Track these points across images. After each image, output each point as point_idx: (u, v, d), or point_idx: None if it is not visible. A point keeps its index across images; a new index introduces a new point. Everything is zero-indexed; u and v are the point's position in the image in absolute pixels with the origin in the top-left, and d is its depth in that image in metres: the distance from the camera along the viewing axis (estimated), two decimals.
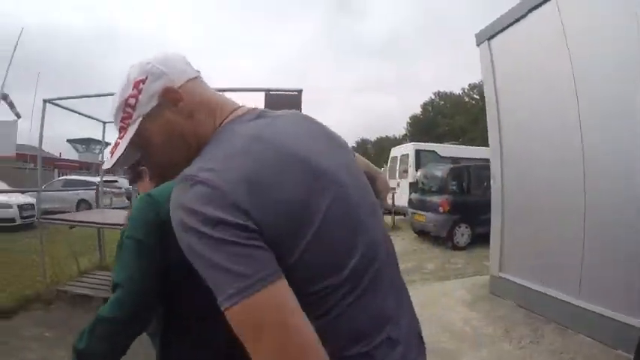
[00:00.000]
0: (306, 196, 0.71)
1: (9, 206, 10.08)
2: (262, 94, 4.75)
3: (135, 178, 1.46)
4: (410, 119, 51.55)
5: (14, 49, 19.33)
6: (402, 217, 11.50)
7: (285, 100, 4.52)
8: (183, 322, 1.09)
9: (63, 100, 5.53)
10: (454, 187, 8.48)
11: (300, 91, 4.59)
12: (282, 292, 0.63)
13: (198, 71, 0.88)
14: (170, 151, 0.83)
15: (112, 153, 0.87)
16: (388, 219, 11.99)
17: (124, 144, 0.83)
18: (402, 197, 11.71)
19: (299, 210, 0.70)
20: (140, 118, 0.81)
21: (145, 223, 1.04)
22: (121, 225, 4.17)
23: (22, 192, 10.77)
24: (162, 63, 0.82)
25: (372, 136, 63.77)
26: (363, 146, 62.76)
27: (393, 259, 0.90)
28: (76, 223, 5.03)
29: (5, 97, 17.21)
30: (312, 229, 0.70)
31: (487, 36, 4.69)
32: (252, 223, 0.65)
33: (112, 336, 1.00)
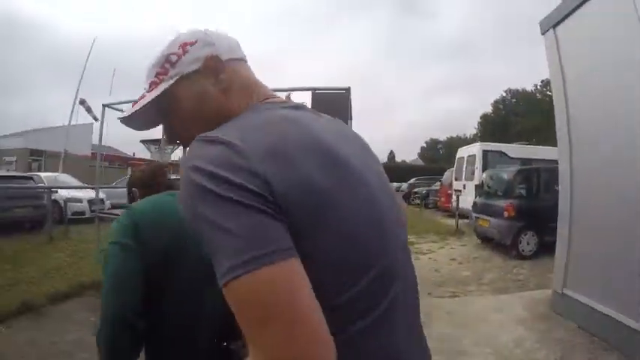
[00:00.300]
0: (332, 187, 0.63)
1: (80, 200, 11.09)
2: (309, 94, 4.62)
3: (130, 200, 1.55)
4: (481, 118, 49.21)
5: (87, 57, 21.24)
6: (466, 220, 10.89)
7: (332, 99, 4.32)
8: (169, 325, 1.13)
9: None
10: (521, 191, 7.75)
11: (347, 89, 4.36)
12: (299, 272, 0.56)
13: (245, 57, 0.86)
14: (196, 122, 0.77)
15: (133, 105, 0.83)
16: (452, 222, 11.44)
17: (150, 96, 0.79)
18: (467, 200, 11.06)
19: (323, 198, 0.62)
20: (177, 77, 0.78)
21: (125, 228, 1.14)
22: None
23: (89, 188, 11.73)
24: (215, 35, 0.81)
25: (443, 136, 61.68)
26: (433, 146, 60.99)
27: (413, 283, 0.81)
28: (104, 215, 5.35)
29: (83, 102, 18.94)
30: (335, 225, 0.62)
31: (552, 23, 4.15)
32: (270, 195, 0.58)
33: (107, 342, 1.08)
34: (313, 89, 4.40)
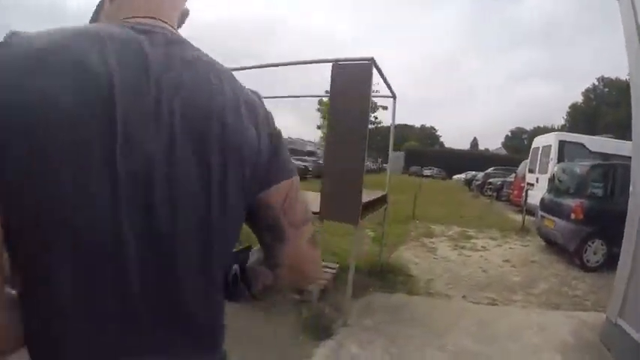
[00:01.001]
0: (68, 122, 0.53)
1: None
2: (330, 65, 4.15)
3: None
4: (570, 108, 45.54)
5: None
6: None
7: (352, 71, 3.80)
8: None
9: None
10: (595, 191, 6.58)
11: (371, 60, 3.79)
12: None
13: None
14: None
15: None
16: (520, 218, 10.35)
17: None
18: (538, 195, 9.95)
19: (43, 122, 0.52)
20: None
21: None
22: None
23: None
24: None
25: (530, 126, 57.87)
26: (518, 135, 58.05)
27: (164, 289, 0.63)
28: None
29: None
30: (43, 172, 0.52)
31: None
32: None
33: None
34: (335, 61, 3.89)
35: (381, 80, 4.81)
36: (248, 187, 0.70)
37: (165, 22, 0.71)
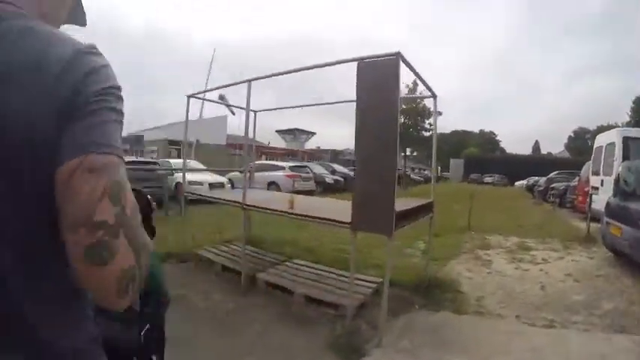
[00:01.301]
0: None
1: (201, 184, 12.42)
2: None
3: None
4: (633, 103, 42.26)
5: (211, 63, 25.16)
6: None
7: (378, 67, 3.61)
8: None
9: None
10: None
11: (396, 54, 3.56)
12: None
13: None
14: None
15: None
16: (582, 225, 9.54)
17: None
18: (603, 200, 9.11)
19: None
20: None
21: None
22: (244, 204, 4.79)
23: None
24: None
25: (592, 125, 54.33)
26: (581, 136, 54.73)
27: None
28: (209, 199, 6.16)
29: (222, 98, 21.45)
30: None
31: None
32: None
33: None
34: (361, 59, 3.69)
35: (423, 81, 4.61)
36: (29, 176, 0.57)
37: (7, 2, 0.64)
